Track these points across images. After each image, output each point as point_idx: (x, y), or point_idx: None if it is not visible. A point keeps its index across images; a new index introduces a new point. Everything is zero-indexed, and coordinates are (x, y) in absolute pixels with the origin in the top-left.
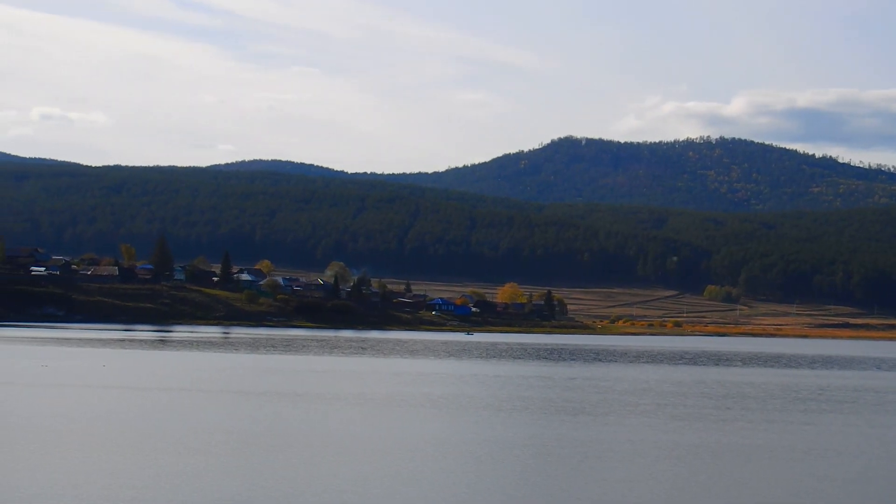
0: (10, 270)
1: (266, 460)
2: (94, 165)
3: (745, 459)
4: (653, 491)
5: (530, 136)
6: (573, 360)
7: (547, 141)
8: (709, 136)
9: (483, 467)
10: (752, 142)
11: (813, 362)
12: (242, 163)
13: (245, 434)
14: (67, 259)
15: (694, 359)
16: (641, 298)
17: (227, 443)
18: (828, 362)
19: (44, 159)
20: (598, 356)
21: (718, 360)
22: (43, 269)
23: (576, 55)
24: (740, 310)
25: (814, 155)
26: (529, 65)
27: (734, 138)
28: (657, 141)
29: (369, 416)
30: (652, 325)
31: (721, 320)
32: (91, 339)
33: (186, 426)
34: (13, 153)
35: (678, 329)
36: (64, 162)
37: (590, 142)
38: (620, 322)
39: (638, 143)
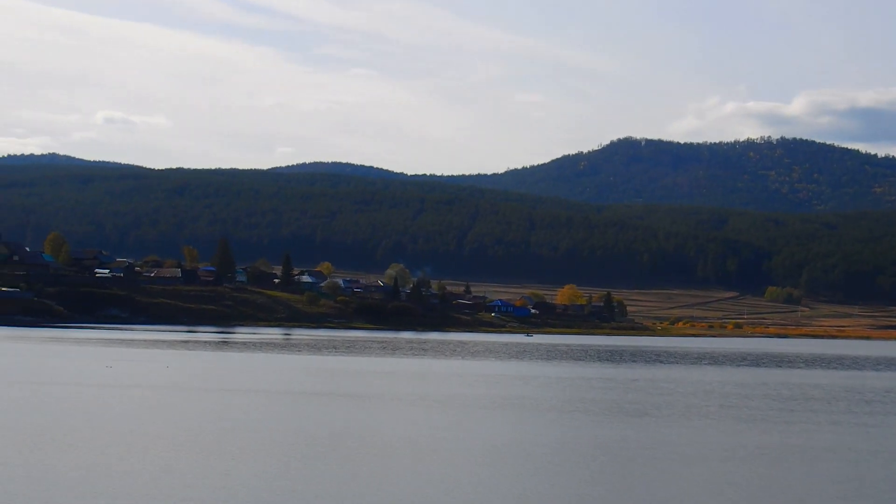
0: (76, 272)
1: (330, 462)
2: (156, 168)
3: (811, 461)
4: (718, 492)
5: (589, 137)
6: (634, 361)
7: (606, 142)
8: (769, 137)
9: (548, 470)
10: (814, 142)
11: (877, 364)
12: (303, 165)
13: (309, 436)
14: (131, 261)
15: (756, 360)
16: (701, 300)
17: (292, 444)
18: (892, 364)
19: (107, 162)
20: (659, 358)
21: (781, 361)
22: (107, 271)
23: (635, 56)
24: (801, 311)
25: (876, 155)
26: (589, 66)
27: (795, 138)
28: (717, 141)
29: (433, 418)
30: (712, 326)
31: (782, 322)
32: (154, 341)
33: (251, 428)
34: (78, 156)
35: (738, 331)
36: (127, 165)
37: (649, 142)
38: (680, 324)
39: (698, 143)
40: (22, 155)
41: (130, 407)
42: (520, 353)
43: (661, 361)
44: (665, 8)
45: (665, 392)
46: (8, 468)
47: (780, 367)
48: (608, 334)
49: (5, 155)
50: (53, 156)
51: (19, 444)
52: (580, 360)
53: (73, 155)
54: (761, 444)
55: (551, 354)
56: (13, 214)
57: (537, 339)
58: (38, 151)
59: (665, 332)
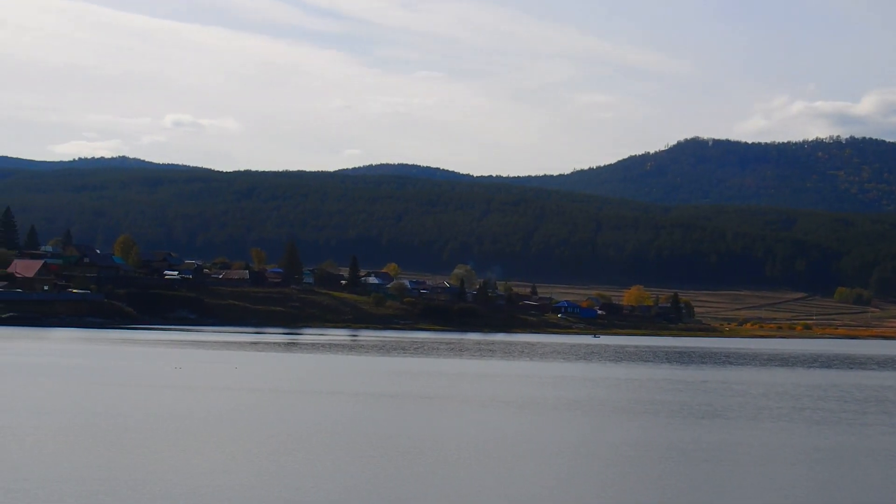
0: (145, 274)
1: (402, 463)
2: (225, 171)
3: (886, 464)
4: (791, 495)
5: (656, 138)
6: (703, 363)
7: (673, 142)
8: (838, 136)
9: (620, 471)
10: (883, 141)
11: None
12: (369, 167)
13: (381, 437)
14: (199, 263)
15: (827, 362)
16: (769, 301)
17: (364, 446)
18: None
19: (176, 165)
20: (729, 359)
21: (852, 363)
22: (176, 273)
23: (702, 55)
24: (872, 312)
25: None
26: (656, 66)
27: (864, 138)
28: (785, 141)
29: (503, 420)
30: (780, 327)
31: (852, 323)
32: (222, 342)
33: (322, 428)
34: (147, 159)
35: (807, 332)
36: (196, 168)
37: (716, 143)
38: (748, 325)
39: (765, 143)
40: (92, 158)
41: (201, 408)
42: (587, 354)
43: (730, 363)
44: (733, 7)
45: (736, 394)
46: (89, 470)
47: (852, 368)
48: (675, 335)
49: (76, 158)
50: (123, 159)
51: (95, 445)
52: (648, 361)
53: (142, 158)
54: (835, 447)
55: (619, 356)
56: (84, 217)
57: (604, 340)
58: (108, 155)
59: (733, 334)
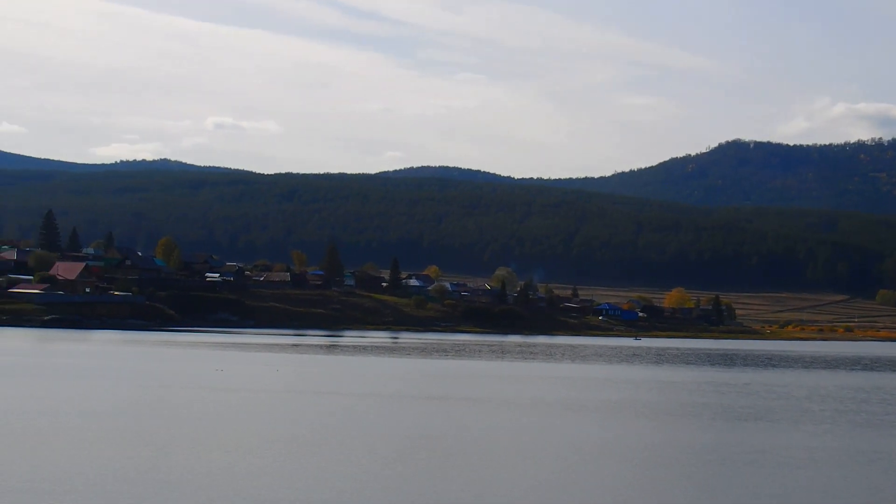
0: (186, 277)
1: (447, 465)
2: (266, 173)
3: None
4: (835, 498)
5: (697, 140)
6: (746, 365)
7: (714, 144)
8: (880, 138)
9: (665, 474)
10: None
11: None
12: (410, 169)
13: (424, 438)
14: (241, 265)
15: (870, 365)
16: (811, 303)
17: (408, 448)
18: None
19: (218, 167)
20: (771, 361)
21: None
22: (217, 275)
23: (744, 57)
24: None
25: None
26: (697, 67)
27: None
28: (827, 143)
29: (547, 422)
30: (822, 330)
31: (894, 325)
32: (263, 344)
33: (362, 431)
34: (189, 162)
35: (849, 334)
36: (237, 170)
37: (758, 145)
38: (790, 327)
39: (807, 145)
40: (134, 161)
41: (242, 410)
42: (629, 356)
43: (772, 365)
44: (774, 8)
45: (779, 396)
46: (135, 473)
47: (895, 371)
48: (717, 338)
49: (118, 161)
50: (165, 161)
51: (139, 447)
52: (691, 363)
53: (183, 160)
54: (878, 449)
55: (661, 358)
56: (126, 219)
57: (645, 342)
58: (149, 157)
59: (774, 336)
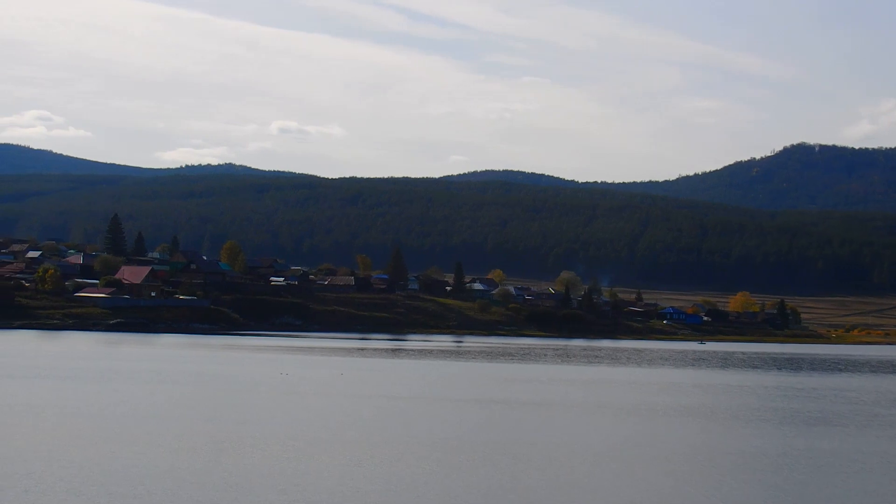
0: (251, 281)
1: (513, 469)
2: (330, 177)
3: None
4: None
5: (762, 143)
6: (813, 369)
7: (779, 147)
8: None
9: (735, 477)
10: None
11: None
12: (474, 173)
13: (492, 443)
14: (305, 269)
15: None
16: (877, 307)
17: (474, 452)
18: None
19: (282, 172)
20: (838, 365)
21: None
22: (282, 279)
23: (809, 59)
24: None
25: None
26: (761, 71)
27: None
28: (892, 146)
29: (614, 425)
30: (888, 334)
31: None
32: (328, 348)
33: (435, 435)
34: (253, 166)
35: None
36: (302, 174)
37: (823, 148)
38: (855, 331)
39: (872, 148)
40: (199, 165)
41: (306, 413)
42: (695, 360)
43: (839, 369)
44: (840, 10)
45: (848, 401)
46: (203, 475)
47: None
48: (782, 342)
49: (183, 165)
50: (230, 166)
51: (204, 449)
52: (757, 367)
53: (248, 165)
54: None
55: (727, 362)
56: (191, 224)
57: (710, 346)
58: (214, 162)
59: (840, 340)
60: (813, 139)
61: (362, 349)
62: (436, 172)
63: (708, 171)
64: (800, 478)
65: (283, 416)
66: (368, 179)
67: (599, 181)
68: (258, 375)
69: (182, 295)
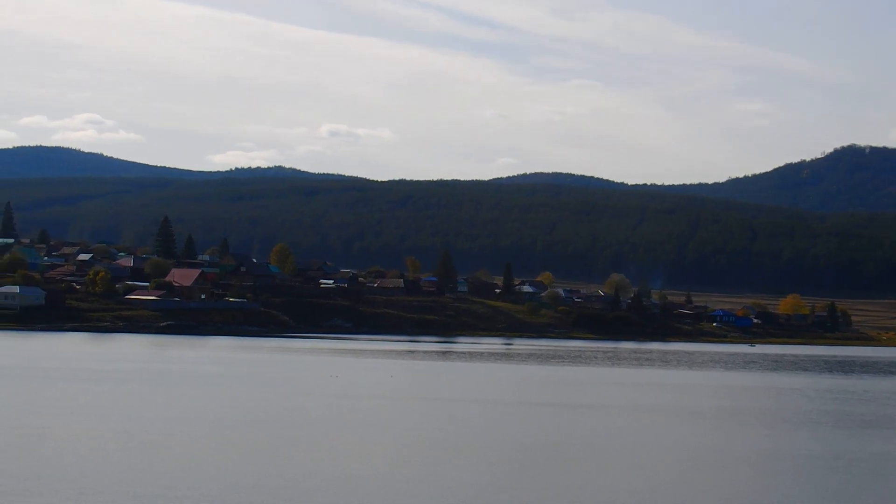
0: (301, 283)
1: (572, 470)
2: (379, 180)
3: None
4: None
5: (812, 145)
6: (864, 372)
7: (829, 150)
8: None
9: (789, 481)
10: None
11: None
12: (523, 176)
13: (543, 446)
14: (355, 272)
15: None
16: None
17: (526, 454)
18: None
19: (332, 174)
20: (890, 368)
21: None
22: (331, 281)
23: (858, 61)
24: None
25: None
26: (811, 72)
27: None
28: None
29: (667, 428)
30: None
31: None
32: (377, 350)
33: (480, 437)
34: (303, 169)
35: None
36: (351, 177)
37: (874, 150)
38: None
39: None
40: (249, 168)
41: (360, 417)
42: (746, 363)
43: (891, 372)
44: (889, 11)
45: None
46: (259, 478)
47: None
48: (833, 344)
49: (233, 168)
50: (279, 169)
51: (261, 451)
52: (808, 370)
53: (298, 168)
54: None
55: (778, 365)
56: (241, 227)
57: (760, 349)
58: (264, 164)
59: (891, 343)
60: (863, 141)
61: (412, 351)
62: (485, 175)
63: (758, 173)
64: (854, 480)
65: (333, 419)
66: (418, 182)
67: (649, 183)
68: (308, 378)
69: (232, 297)
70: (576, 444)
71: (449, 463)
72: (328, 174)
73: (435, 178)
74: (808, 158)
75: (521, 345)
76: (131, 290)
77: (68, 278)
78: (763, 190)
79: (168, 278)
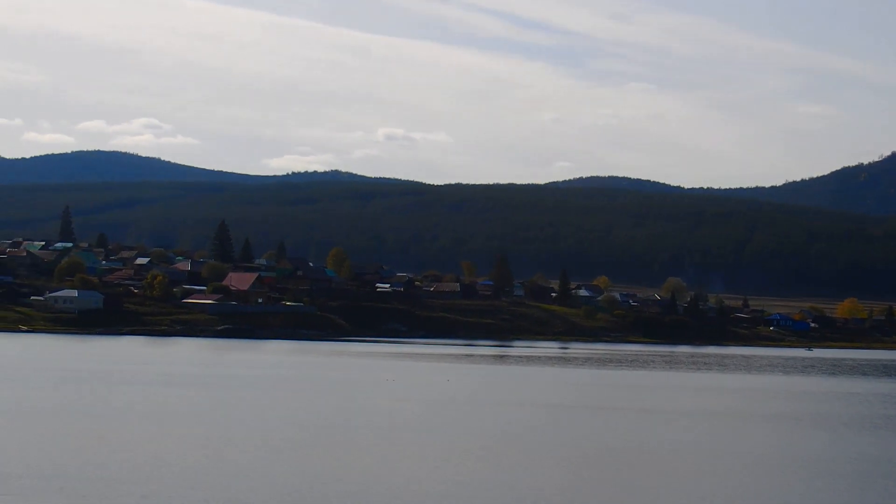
0: (357, 287)
1: (631, 475)
2: (436, 184)
3: None
4: None
5: (870, 148)
6: None
7: (888, 152)
8: None
9: (855, 486)
10: None
11: None
12: (580, 179)
13: (604, 449)
14: (411, 276)
15: None
16: None
17: (587, 458)
18: None
19: (388, 178)
20: None
21: None
22: (387, 285)
23: None
24: None
25: None
26: (869, 75)
27: None
28: None
29: (727, 432)
30: None
31: None
32: (433, 354)
33: (548, 440)
34: (360, 173)
35: None
36: (407, 181)
37: None
38: None
39: None
40: (306, 172)
41: (413, 419)
42: (804, 367)
43: None
44: None
45: None
46: (312, 479)
47: None
48: (891, 348)
49: (290, 172)
50: (336, 173)
51: (314, 453)
52: (867, 374)
53: (354, 172)
54: None
55: (836, 369)
56: (298, 230)
57: (818, 353)
58: (321, 169)
59: None
60: None
61: (468, 355)
62: (541, 178)
63: (815, 176)
64: None
65: (389, 423)
66: (474, 186)
67: (705, 187)
68: (364, 381)
69: (289, 301)
70: (648, 449)
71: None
72: (384, 178)
73: (491, 182)
74: (865, 161)
75: (578, 349)
76: (188, 293)
77: (126, 282)
78: (820, 193)
79: (225, 282)
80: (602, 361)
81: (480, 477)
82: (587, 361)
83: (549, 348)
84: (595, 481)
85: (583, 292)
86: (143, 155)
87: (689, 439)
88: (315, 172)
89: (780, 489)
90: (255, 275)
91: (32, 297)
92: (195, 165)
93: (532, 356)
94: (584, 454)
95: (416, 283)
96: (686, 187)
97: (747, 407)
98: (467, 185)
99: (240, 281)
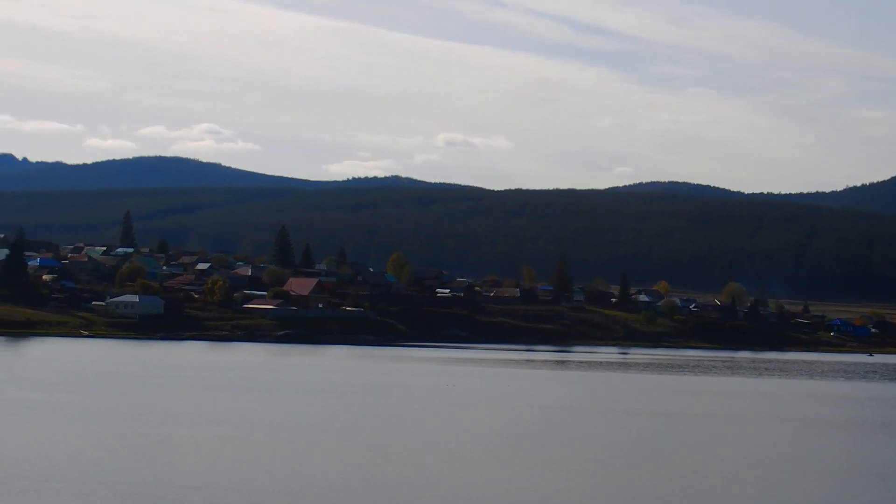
0: (417, 292)
1: (692, 482)
2: (496, 189)
3: None
4: None
5: None
6: None
7: None
8: None
9: None
10: None
11: None
12: (640, 184)
13: (665, 454)
14: (471, 281)
15: None
16: None
17: (651, 463)
18: None
19: (448, 184)
20: None
21: None
22: (447, 290)
23: None
24: None
25: None
26: None
27: None
28: None
29: (790, 438)
30: None
31: None
32: (493, 360)
33: (607, 446)
34: (419, 178)
35: None
36: (467, 186)
37: None
38: None
39: None
40: (366, 178)
41: (474, 423)
42: (866, 373)
43: None
44: None
45: None
46: (369, 481)
47: None
48: None
49: (350, 178)
50: (396, 178)
51: (368, 455)
52: None
53: (414, 177)
54: None
55: None
56: (358, 236)
57: (879, 358)
58: (381, 174)
59: None
60: None
61: (528, 360)
62: (601, 184)
63: (875, 181)
64: None
65: (460, 426)
66: (534, 191)
67: (765, 192)
68: (424, 385)
69: (349, 306)
70: (720, 455)
71: (574, 471)
72: (444, 183)
73: (551, 188)
74: None
75: (638, 354)
76: (249, 299)
77: (187, 287)
78: (881, 198)
79: (286, 287)
80: (663, 367)
81: (547, 482)
82: (648, 367)
83: (609, 354)
84: (657, 487)
85: (643, 297)
86: (204, 160)
87: (753, 445)
88: (375, 178)
89: (832, 494)
90: (315, 280)
91: (94, 303)
92: (255, 171)
93: (593, 361)
94: (649, 459)
95: (476, 288)
96: (746, 192)
97: (813, 412)
98: (527, 191)
99: (300, 286)
